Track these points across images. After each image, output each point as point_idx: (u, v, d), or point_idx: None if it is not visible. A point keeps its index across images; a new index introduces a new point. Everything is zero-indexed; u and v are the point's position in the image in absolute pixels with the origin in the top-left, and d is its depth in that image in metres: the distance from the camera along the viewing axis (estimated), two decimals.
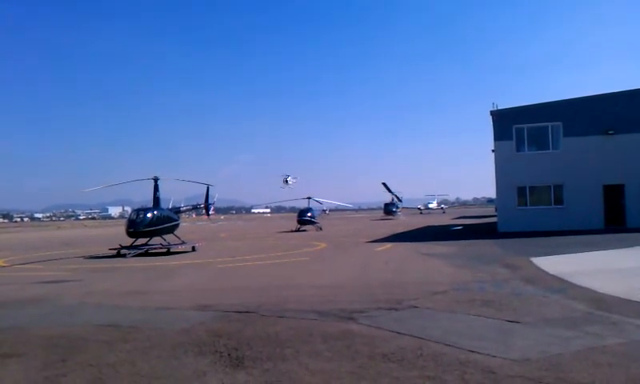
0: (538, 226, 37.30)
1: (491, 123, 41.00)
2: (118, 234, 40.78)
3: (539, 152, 39.98)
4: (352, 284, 17.34)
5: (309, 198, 65.33)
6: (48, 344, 10.29)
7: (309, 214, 62.33)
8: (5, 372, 8.57)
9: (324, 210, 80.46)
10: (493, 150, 42.31)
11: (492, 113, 40.81)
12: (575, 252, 23.77)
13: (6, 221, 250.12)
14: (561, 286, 15.23)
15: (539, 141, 40.30)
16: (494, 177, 41.58)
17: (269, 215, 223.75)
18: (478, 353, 8.55)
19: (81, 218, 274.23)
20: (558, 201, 39.47)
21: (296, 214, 66.77)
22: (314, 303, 13.67)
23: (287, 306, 13.35)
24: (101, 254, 33.17)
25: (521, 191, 40.26)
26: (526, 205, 40.06)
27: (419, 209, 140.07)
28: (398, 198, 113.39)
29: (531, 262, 20.74)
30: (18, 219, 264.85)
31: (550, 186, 39.85)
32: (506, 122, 40.31)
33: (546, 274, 17.74)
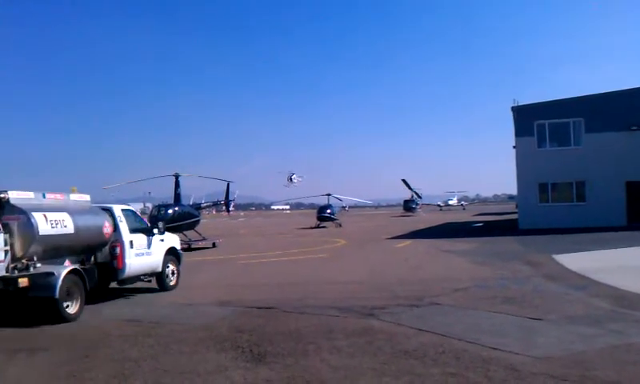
0: (560, 222, 36.85)
1: (512, 119, 40.68)
2: None
3: (561, 148, 39.53)
4: (372, 280, 17.34)
5: (328, 195, 65.27)
6: (72, 339, 10.43)
7: (328, 211, 62.25)
8: (30, 366, 8.70)
9: (343, 207, 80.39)
10: (514, 147, 41.97)
11: (513, 109, 40.45)
12: (597, 249, 23.53)
13: None
14: (583, 283, 15.09)
15: (561, 137, 39.86)
16: (514, 173, 41.25)
17: (288, 212, 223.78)
18: (501, 350, 8.51)
19: None
20: (580, 197, 39.01)
21: (315, 211, 66.77)
22: (334, 299, 13.68)
23: (308, 302, 13.38)
24: None
25: (542, 188, 39.88)
26: (547, 201, 39.66)
27: (439, 205, 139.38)
28: (417, 194, 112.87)
29: (553, 258, 20.57)
30: None
31: (571, 183, 39.40)
32: (528, 118, 39.90)
33: (568, 271, 17.59)
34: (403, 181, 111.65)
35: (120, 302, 14.91)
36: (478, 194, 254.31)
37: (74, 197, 14.52)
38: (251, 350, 9.01)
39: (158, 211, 33.05)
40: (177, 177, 34.51)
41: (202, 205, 39.36)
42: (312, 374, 7.71)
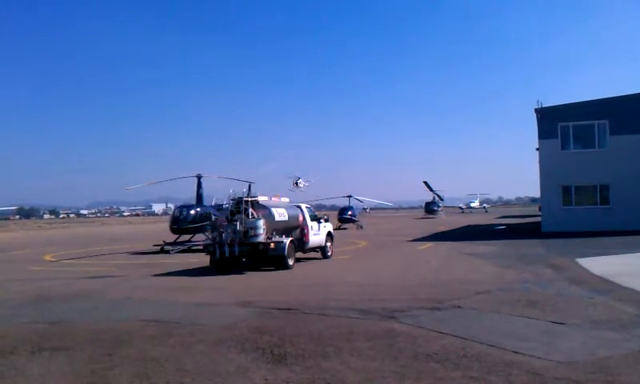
0: (584, 226, 36.48)
1: (536, 121, 40.36)
2: (162, 231, 41.37)
3: (585, 150, 39.10)
4: (393, 283, 17.29)
5: (349, 197, 65.28)
6: (94, 338, 10.49)
7: (349, 213, 62.29)
8: (53, 365, 8.78)
9: (364, 209, 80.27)
10: (537, 149, 41.66)
11: (537, 110, 40.10)
12: (622, 253, 23.24)
13: (52, 217, 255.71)
14: (607, 287, 14.91)
15: (585, 139, 39.42)
16: (537, 176, 40.98)
17: None
18: (523, 354, 8.43)
19: (125, 214, 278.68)
20: (604, 201, 38.56)
21: (336, 213, 66.82)
22: (355, 301, 13.66)
23: (329, 304, 13.37)
24: (145, 250, 33.69)
25: (566, 191, 39.47)
26: (571, 204, 39.23)
27: (461, 208, 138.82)
28: (439, 196, 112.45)
29: (576, 262, 20.36)
30: (64, 215, 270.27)
31: (595, 186, 38.97)
32: (551, 120, 39.55)
33: (592, 274, 17.39)
34: (425, 183, 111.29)
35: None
36: (500, 197, 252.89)
37: (283, 199, 25.78)
38: (272, 352, 9.02)
39: (180, 212, 33.24)
40: (199, 178, 34.70)
41: (224, 206, 39.43)
42: (332, 375, 7.70)
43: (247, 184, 40.82)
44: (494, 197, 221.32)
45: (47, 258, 31.12)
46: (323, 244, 26.10)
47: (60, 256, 31.99)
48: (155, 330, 11.02)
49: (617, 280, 15.71)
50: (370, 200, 79.77)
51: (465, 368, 7.85)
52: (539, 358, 8.23)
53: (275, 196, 25.09)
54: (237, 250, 21.08)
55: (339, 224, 61.31)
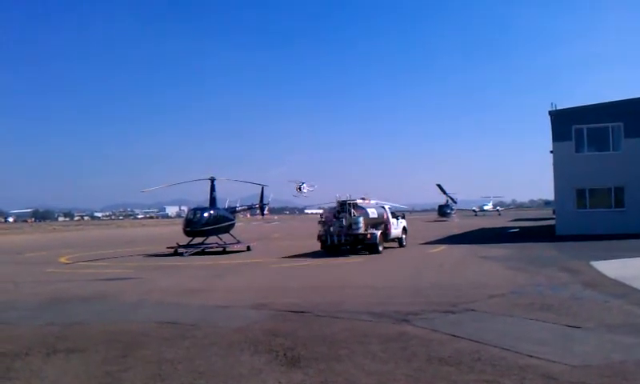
0: (598, 229, 36.19)
1: (550, 123, 40.14)
2: (176, 233, 41.52)
3: (599, 153, 38.81)
4: (406, 286, 17.26)
5: (362, 200, 65.06)
6: (109, 339, 10.57)
7: None
8: (68, 366, 8.85)
9: None
10: (551, 151, 41.43)
11: (551, 113, 39.89)
12: (637, 256, 23.02)
13: (67, 219, 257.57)
14: (622, 290, 14.81)
15: (599, 142, 39.15)
16: (551, 178, 40.76)
17: None
18: (538, 358, 8.39)
19: (139, 216, 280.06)
20: (619, 203, 38.27)
21: None
22: (368, 304, 13.67)
23: (342, 307, 13.38)
24: (159, 253, 33.83)
25: (580, 193, 39.21)
26: (585, 207, 38.96)
27: (474, 210, 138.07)
28: (452, 199, 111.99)
29: (591, 265, 20.23)
30: (79, 218, 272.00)
31: (610, 189, 38.68)
32: (565, 123, 39.31)
33: (607, 278, 17.28)
34: (438, 185, 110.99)
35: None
36: (513, 200, 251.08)
37: (372, 201, 33.30)
38: (285, 354, 9.04)
39: (194, 214, 33.35)
40: (212, 180, 34.80)
41: (238, 208, 39.59)
42: (346, 378, 7.71)
43: (260, 186, 41.45)
44: (507, 199, 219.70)
45: (62, 260, 31.30)
46: (400, 235, 34.06)
47: (75, 258, 32.18)
48: (170, 332, 11.08)
49: (632, 283, 15.60)
50: (382, 203, 79.45)
51: (479, 371, 7.84)
52: (554, 361, 8.19)
53: (367, 199, 32.90)
54: (343, 239, 29.82)
55: None
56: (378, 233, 29.94)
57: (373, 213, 31.28)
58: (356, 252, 29.99)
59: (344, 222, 29.81)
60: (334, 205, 31.64)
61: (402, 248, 33.17)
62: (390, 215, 32.76)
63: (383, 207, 33.12)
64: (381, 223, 31.66)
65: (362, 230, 29.53)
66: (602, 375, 7.55)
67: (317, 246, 30.90)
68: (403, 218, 35.30)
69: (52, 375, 8.37)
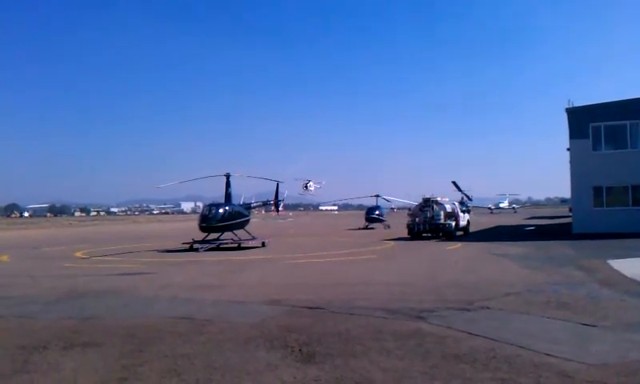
0: (615, 227, 35.91)
1: (566, 121, 39.89)
2: (191, 229, 41.72)
3: (617, 151, 38.56)
4: (421, 283, 17.22)
5: (377, 196, 65.01)
6: (125, 334, 10.64)
7: (377, 212, 62.09)
8: (85, 360, 8.91)
9: (392, 208, 79.86)
10: (568, 149, 41.20)
11: (567, 110, 39.67)
12: None
13: (83, 214, 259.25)
14: (639, 289, 14.70)
15: (617, 139, 38.88)
16: (568, 176, 40.55)
17: (336, 213, 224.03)
18: (554, 356, 8.35)
19: (154, 212, 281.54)
20: (636, 202, 37.95)
21: (364, 212, 66.62)
22: (383, 301, 13.66)
23: (356, 304, 13.38)
24: (174, 248, 34.00)
25: (597, 191, 38.96)
26: (602, 205, 38.72)
27: (489, 208, 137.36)
28: (467, 196, 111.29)
29: (608, 264, 20.10)
30: (95, 213, 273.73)
31: (627, 187, 38.38)
32: (582, 120, 39.07)
33: (624, 276, 17.16)
34: (453, 182, 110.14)
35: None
36: (529, 197, 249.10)
37: (445, 199, 42.13)
38: (300, 350, 9.07)
39: (209, 210, 33.46)
40: (227, 177, 34.85)
41: (252, 204, 39.66)
42: (361, 375, 7.72)
43: (275, 183, 41.52)
44: (523, 197, 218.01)
45: (79, 254, 31.54)
46: (465, 226, 43.80)
47: (91, 253, 32.41)
48: (185, 327, 11.13)
49: None
50: (397, 200, 79.21)
51: (494, 369, 7.81)
52: (570, 360, 8.15)
53: (444, 197, 42.49)
54: (427, 227, 39.43)
55: (366, 224, 61.13)
56: (453, 223, 39.45)
57: (448, 208, 40.52)
58: (437, 237, 38.54)
59: (428, 215, 39.37)
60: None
61: (418, 246, 33.15)
62: (459, 210, 42.06)
63: (454, 204, 43.02)
64: (453, 216, 40.28)
65: (441, 221, 39.10)
66: (619, 374, 7.51)
67: (335, 243, 30.99)
68: (468, 212, 47.12)
69: (69, 369, 8.43)
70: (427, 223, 39.16)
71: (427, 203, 40.07)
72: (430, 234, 39.33)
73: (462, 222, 42.32)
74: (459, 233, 40.97)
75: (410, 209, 45.09)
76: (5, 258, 30.54)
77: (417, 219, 39.62)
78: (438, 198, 40.83)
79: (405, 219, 43.58)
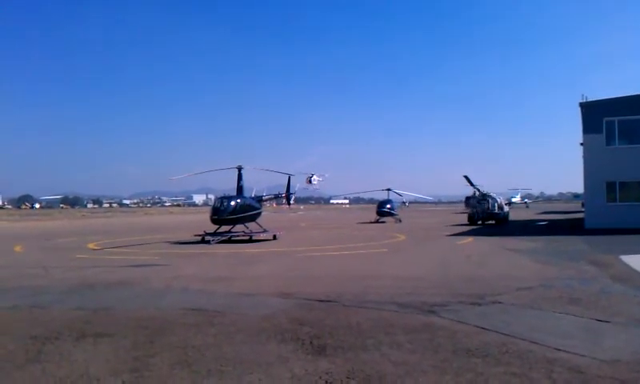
0: (628, 223, 35.69)
1: (580, 115, 39.62)
2: (203, 221, 41.83)
3: (631, 146, 38.29)
4: (433, 277, 17.17)
5: (388, 190, 64.88)
6: (137, 325, 10.69)
7: (388, 206, 62.01)
8: (97, 350, 8.96)
9: (403, 202, 79.63)
10: (581, 144, 40.93)
11: (581, 105, 39.39)
12: None
13: (96, 206, 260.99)
14: None
15: (631, 134, 38.60)
16: (581, 171, 40.34)
17: (347, 206, 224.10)
18: (566, 351, 8.32)
19: (166, 204, 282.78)
20: None
21: (375, 206, 66.54)
22: (394, 295, 13.63)
23: (367, 297, 13.37)
24: (186, 240, 34.11)
25: (610, 187, 38.71)
26: (615, 201, 38.47)
27: None
28: (480, 191, 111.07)
29: (620, 259, 19.99)
30: (107, 204, 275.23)
31: None
32: (596, 115, 38.80)
33: (637, 272, 17.07)
34: (465, 177, 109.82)
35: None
36: (542, 192, 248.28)
37: (493, 193, 55.83)
38: (311, 342, 9.08)
39: (221, 203, 33.52)
40: (240, 169, 34.91)
41: (264, 197, 39.69)
42: (372, 368, 7.72)
43: (287, 176, 41.57)
44: (535, 192, 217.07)
45: (91, 246, 31.70)
46: (507, 214, 56.31)
47: (103, 244, 32.56)
48: (196, 319, 11.17)
49: None
50: (409, 194, 79.09)
51: (506, 364, 7.79)
52: (582, 355, 8.11)
53: (493, 193, 54.27)
54: (485, 215, 52.12)
55: (377, 217, 61.11)
56: (503, 212, 53.93)
57: (498, 200, 54.07)
58: (486, 224, 50.62)
59: (485, 206, 52.71)
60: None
61: (429, 241, 33.09)
62: (503, 202, 56.22)
63: (500, 197, 56.62)
64: (502, 207, 54.58)
65: (496, 210, 52.77)
66: (632, 370, 7.46)
67: (346, 236, 30.95)
68: (509, 205, 62.83)
69: (81, 359, 8.48)
70: (485, 213, 52.21)
71: (484, 197, 53.71)
72: (488, 221, 51.79)
73: (505, 212, 56.02)
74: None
75: (467, 202, 62.84)
76: (18, 248, 30.78)
77: (476, 210, 53.18)
78: (491, 193, 54.63)
79: (417, 214, 44.48)
